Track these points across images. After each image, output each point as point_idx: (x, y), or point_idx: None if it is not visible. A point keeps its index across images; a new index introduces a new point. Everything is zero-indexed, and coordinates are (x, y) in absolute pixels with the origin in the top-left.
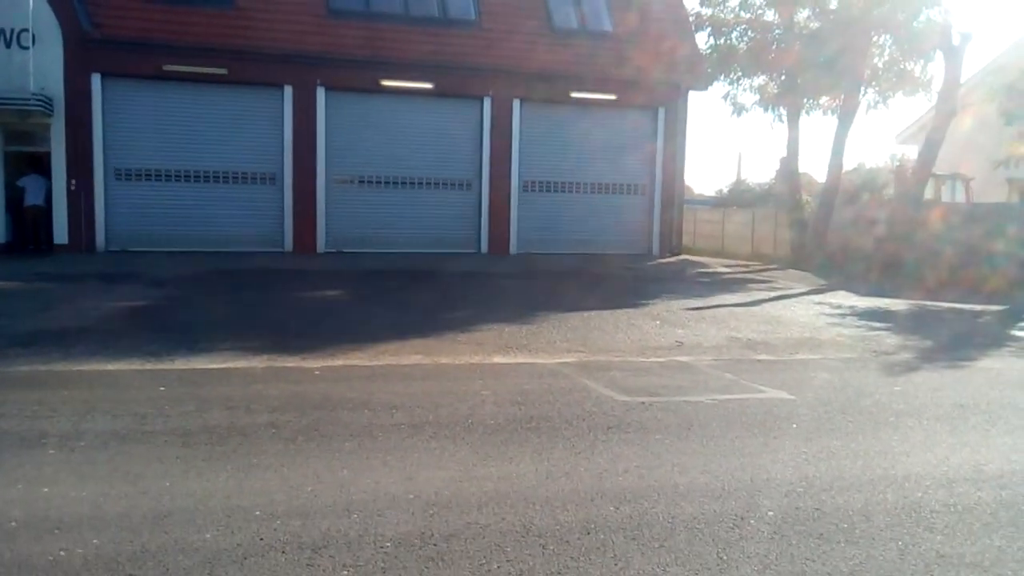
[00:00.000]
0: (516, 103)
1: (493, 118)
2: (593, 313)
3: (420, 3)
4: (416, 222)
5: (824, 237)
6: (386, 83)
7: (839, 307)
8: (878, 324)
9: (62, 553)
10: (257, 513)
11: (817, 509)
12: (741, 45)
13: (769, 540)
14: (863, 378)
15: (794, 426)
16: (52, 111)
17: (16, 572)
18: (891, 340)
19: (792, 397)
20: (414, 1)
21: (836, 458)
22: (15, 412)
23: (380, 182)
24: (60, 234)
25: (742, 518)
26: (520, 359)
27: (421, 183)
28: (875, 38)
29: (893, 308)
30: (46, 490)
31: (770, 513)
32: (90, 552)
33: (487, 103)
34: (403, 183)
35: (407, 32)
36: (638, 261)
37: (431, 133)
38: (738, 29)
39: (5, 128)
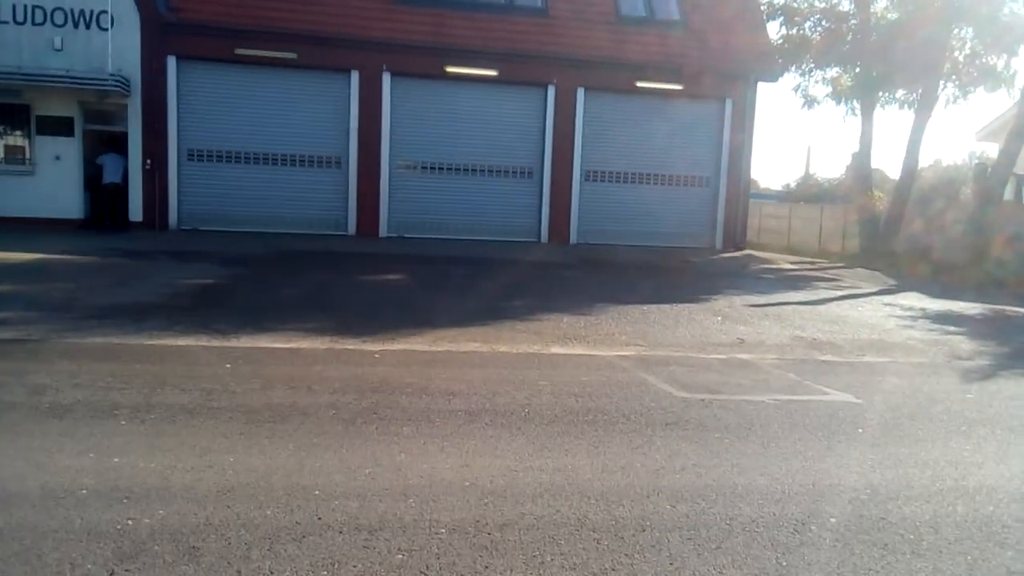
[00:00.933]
0: (580, 91)
1: (556, 106)
2: (653, 306)
3: None
4: (477, 209)
5: (896, 235)
6: (450, 69)
7: (910, 309)
8: (951, 328)
9: (129, 522)
10: (316, 492)
11: (882, 518)
12: (814, 35)
13: (831, 548)
14: (934, 384)
15: (860, 431)
16: (129, 91)
17: (86, 539)
18: (965, 345)
19: (858, 401)
20: None
21: (904, 466)
22: (89, 383)
23: (442, 168)
24: (135, 211)
25: (803, 523)
26: (578, 350)
27: (483, 170)
28: (956, 30)
29: (968, 312)
30: (116, 460)
31: (833, 520)
32: (156, 522)
33: (551, 91)
34: (465, 170)
35: (473, 19)
36: (700, 255)
37: (494, 120)
38: (811, 19)
39: (84, 107)
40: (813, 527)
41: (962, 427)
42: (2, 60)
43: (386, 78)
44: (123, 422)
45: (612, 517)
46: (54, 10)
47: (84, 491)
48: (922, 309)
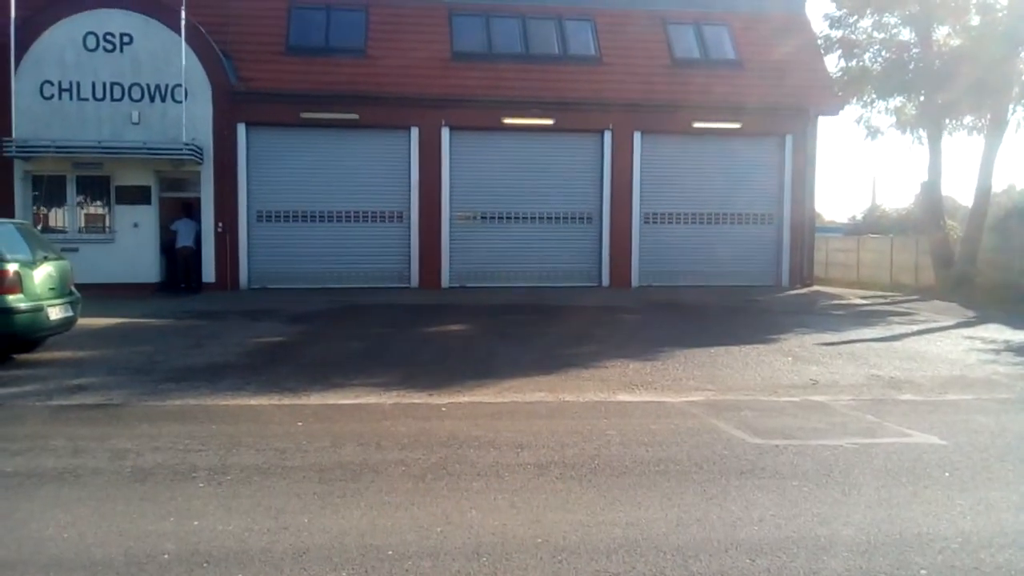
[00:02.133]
0: (637, 135)
1: (614, 151)
2: (720, 349)
3: (541, 42)
4: (537, 256)
5: (972, 265)
6: (508, 121)
7: (992, 342)
8: None
9: None
10: (390, 553)
11: (975, 568)
12: (875, 66)
13: None
14: (1023, 422)
15: (947, 474)
16: (202, 160)
17: None
18: None
19: (943, 442)
20: (535, 41)
21: (995, 511)
22: (168, 446)
23: (502, 217)
24: (208, 273)
25: None
26: (646, 397)
27: (542, 217)
28: (1022, 52)
29: None
30: (196, 523)
31: (923, 572)
32: None
33: (607, 136)
34: (524, 218)
35: (527, 70)
36: (767, 293)
37: (552, 167)
38: (871, 50)
39: (160, 176)
40: None
41: None
42: (84, 135)
43: (445, 132)
44: (201, 484)
45: (690, 572)
46: (131, 86)
47: (166, 556)
48: (1005, 341)
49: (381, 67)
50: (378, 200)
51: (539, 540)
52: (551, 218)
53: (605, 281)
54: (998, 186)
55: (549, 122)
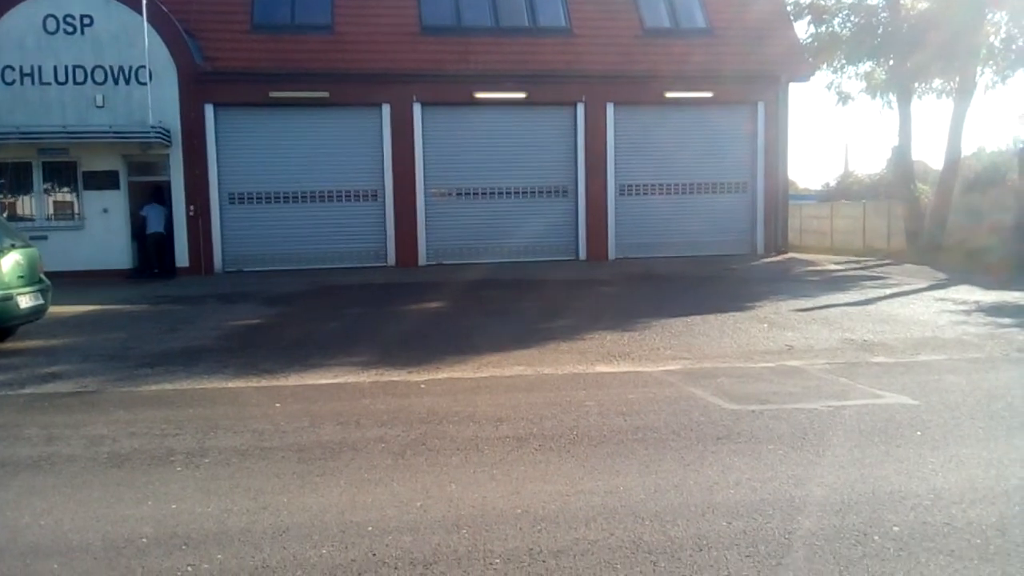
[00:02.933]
0: (610, 107)
1: (587, 123)
2: (697, 318)
3: (511, 14)
4: (513, 231)
5: (943, 227)
6: (479, 95)
7: (963, 303)
8: (1007, 320)
9: (189, 568)
10: (370, 528)
11: (947, 524)
12: (844, 32)
13: (896, 558)
14: (993, 380)
15: (919, 433)
16: (170, 142)
17: None
18: (1023, 338)
19: (915, 402)
20: (505, 12)
21: (966, 468)
22: (145, 431)
23: (477, 193)
24: (182, 257)
25: (865, 534)
26: (624, 368)
27: (517, 192)
28: (989, 15)
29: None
30: (174, 506)
31: (895, 528)
32: (215, 567)
33: (580, 109)
34: (499, 193)
35: (498, 44)
36: (742, 261)
37: (525, 142)
38: (840, 15)
39: (128, 160)
40: (876, 537)
41: None
42: (48, 120)
43: (416, 108)
44: (179, 468)
45: (668, 538)
46: (94, 68)
47: (144, 539)
48: (975, 302)
49: (349, 43)
50: (352, 179)
51: (519, 511)
52: (526, 192)
53: (582, 254)
54: (967, 149)
55: (521, 96)
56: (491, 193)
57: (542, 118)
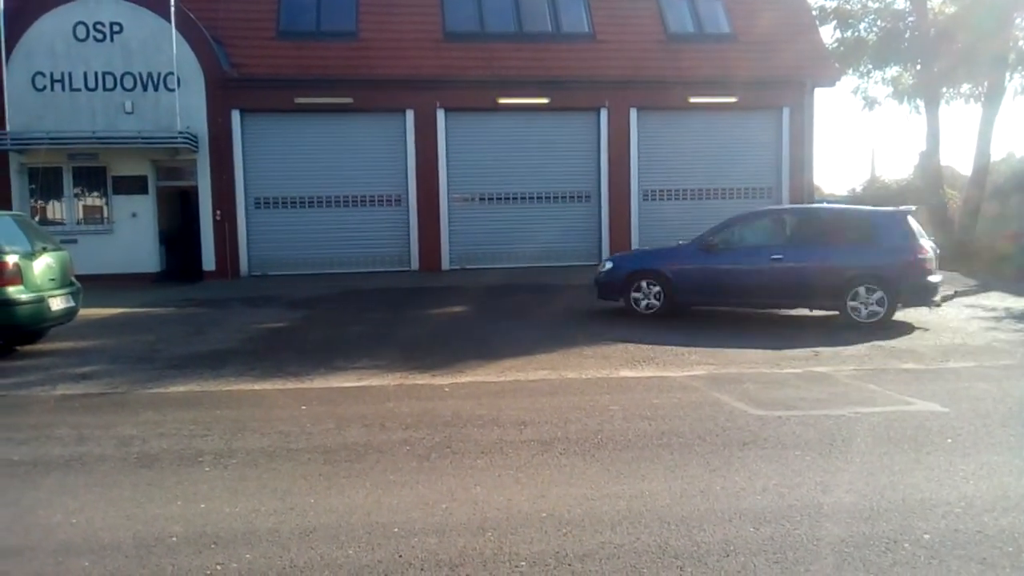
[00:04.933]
0: (633, 112)
1: (610, 128)
2: (722, 322)
3: (534, 20)
4: (537, 236)
5: (972, 233)
6: (503, 101)
7: (993, 309)
8: None
9: (218, 567)
10: (396, 530)
11: (979, 531)
12: (870, 36)
13: (926, 566)
14: None
15: (949, 441)
16: (197, 147)
17: None
18: None
19: (945, 409)
20: (528, 18)
21: (998, 475)
22: (174, 432)
23: (500, 198)
24: (208, 261)
25: (895, 541)
26: (648, 372)
27: (540, 197)
28: (1018, 19)
29: None
30: (203, 506)
31: (926, 536)
32: (243, 567)
33: (603, 114)
34: (523, 198)
35: (521, 49)
36: None
37: (548, 146)
38: (866, 20)
39: (156, 165)
40: (906, 545)
41: None
42: (78, 126)
43: (440, 114)
44: (207, 468)
45: (694, 543)
46: (123, 75)
47: (174, 538)
48: (1006, 308)
49: (373, 49)
50: (376, 184)
51: (544, 514)
52: (549, 197)
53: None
54: (997, 154)
55: (544, 101)
56: (514, 198)
57: (565, 123)
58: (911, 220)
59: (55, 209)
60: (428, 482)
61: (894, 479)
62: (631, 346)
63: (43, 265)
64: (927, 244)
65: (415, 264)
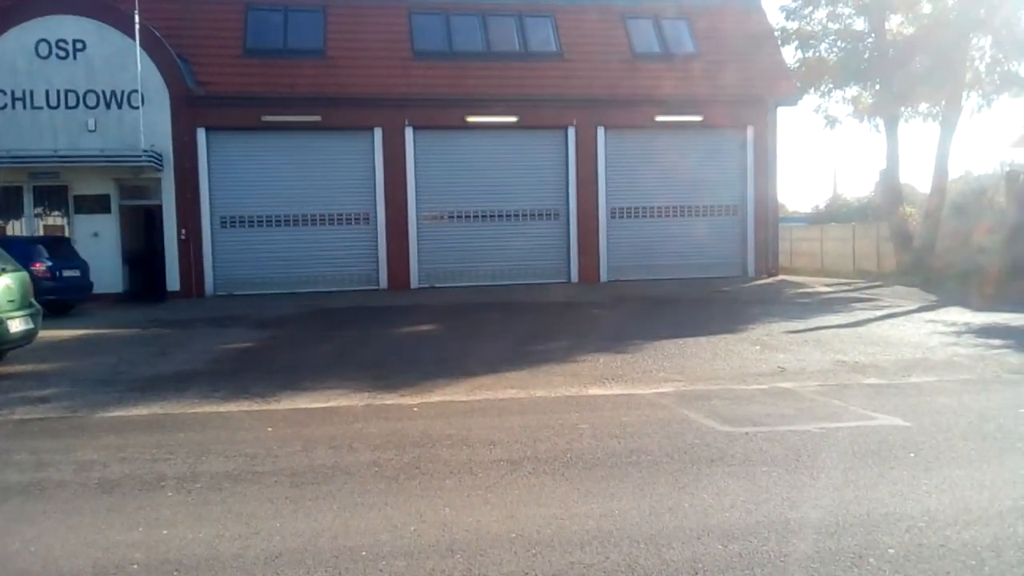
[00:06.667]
0: (600, 131)
1: (578, 146)
2: (689, 340)
3: (502, 39)
4: (505, 254)
5: (931, 250)
6: (471, 119)
7: (953, 324)
8: (997, 342)
9: None
10: (363, 553)
11: (942, 545)
12: (831, 56)
13: None
14: (985, 401)
15: (912, 455)
16: (162, 166)
17: None
18: (1013, 359)
19: (907, 424)
20: (496, 37)
21: (960, 489)
22: (135, 456)
23: (469, 216)
24: (172, 281)
25: (861, 556)
26: (617, 390)
27: (509, 215)
28: (974, 40)
29: (1013, 323)
30: (165, 532)
31: (891, 551)
32: None
33: (571, 132)
34: (491, 216)
35: (490, 68)
36: (733, 284)
37: (516, 165)
38: (826, 40)
39: (120, 184)
40: (871, 559)
41: (1017, 444)
42: (40, 144)
43: (408, 132)
44: (170, 493)
45: (663, 561)
46: (87, 93)
47: (135, 566)
48: (965, 324)
49: (341, 68)
50: (344, 202)
51: (513, 535)
52: (518, 215)
53: (574, 276)
54: (955, 172)
55: (513, 119)
56: (483, 216)
57: (533, 142)
58: None
59: (15, 229)
60: (397, 504)
61: (859, 494)
62: (600, 363)
63: (2, 287)
64: None
65: (384, 282)
